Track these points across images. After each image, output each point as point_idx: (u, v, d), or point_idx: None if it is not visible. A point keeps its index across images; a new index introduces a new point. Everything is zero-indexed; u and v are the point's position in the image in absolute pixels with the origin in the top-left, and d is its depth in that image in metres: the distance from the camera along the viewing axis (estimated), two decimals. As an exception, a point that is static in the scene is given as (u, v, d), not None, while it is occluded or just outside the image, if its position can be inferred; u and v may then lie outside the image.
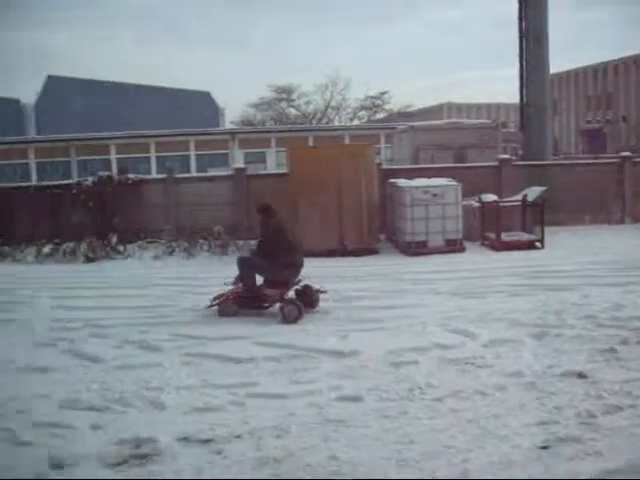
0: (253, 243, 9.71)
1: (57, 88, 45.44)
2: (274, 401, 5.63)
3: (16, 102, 46.47)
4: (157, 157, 34.33)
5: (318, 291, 9.10)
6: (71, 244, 15.16)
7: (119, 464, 4.60)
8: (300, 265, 9.04)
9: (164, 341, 7.65)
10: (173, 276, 12.30)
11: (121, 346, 7.62)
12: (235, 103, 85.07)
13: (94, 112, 42.53)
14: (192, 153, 34.60)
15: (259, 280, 9.08)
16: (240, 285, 9.04)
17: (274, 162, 32.86)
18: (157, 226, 15.79)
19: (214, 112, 46.75)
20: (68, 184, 17.27)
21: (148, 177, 19.15)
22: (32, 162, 34.26)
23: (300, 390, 5.85)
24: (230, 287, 9.08)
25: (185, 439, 4.92)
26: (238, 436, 4.95)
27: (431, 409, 5.35)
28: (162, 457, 4.66)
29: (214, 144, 34.55)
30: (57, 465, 4.59)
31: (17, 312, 9.69)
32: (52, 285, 11.78)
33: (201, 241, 14.94)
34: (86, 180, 16.86)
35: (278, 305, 8.72)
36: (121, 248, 15.18)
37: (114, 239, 15.44)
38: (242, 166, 18.89)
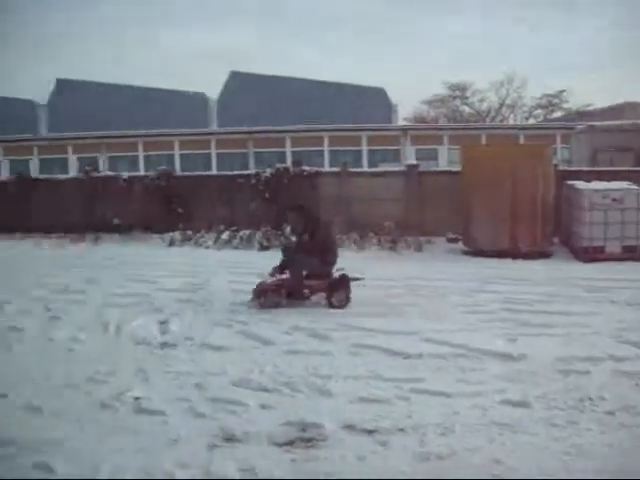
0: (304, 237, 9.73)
1: (239, 84, 47.47)
2: (439, 398, 5.61)
3: (201, 95, 49.04)
4: (330, 151, 35.06)
5: (356, 279, 9.54)
6: (247, 232, 15.88)
7: (285, 444, 4.77)
8: (336, 257, 9.66)
9: (333, 330, 7.81)
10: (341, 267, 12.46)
11: (291, 332, 7.88)
12: (408, 100, 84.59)
13: (273, 107, 44.11)
14: (364, 148, 35.02)
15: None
16: (277, 277, 9.42)
17: (446, 159, 32.59)
18: (329, 218, 16.13)
19: (387, 108, 46.94)
20: (248, 175, 18.09)
21: (322, 170, 19.58)
22: (213, 152, 36.14)
23: (466, 390, 5.79)
24: (270, 279, 9.44)
25: (350, 427, 5.02)
26: (401, 429, 4.98)
27: (602, 422, 5.10)
28: (327, 442, 4.78)
29: (386, 140, 34.79)
30: (228, 438, 4.86)
31: (197, 293, 10.32)
32: (229, 269, 12.41)
33: (371, 235, 15.11)
34: (264, 171, 17.56)
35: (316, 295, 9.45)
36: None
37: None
38: (414, 162, 18.91)
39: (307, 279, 9.43)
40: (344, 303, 9.29)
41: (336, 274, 9.52)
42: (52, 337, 7.83)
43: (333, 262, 9.59)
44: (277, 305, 9.22)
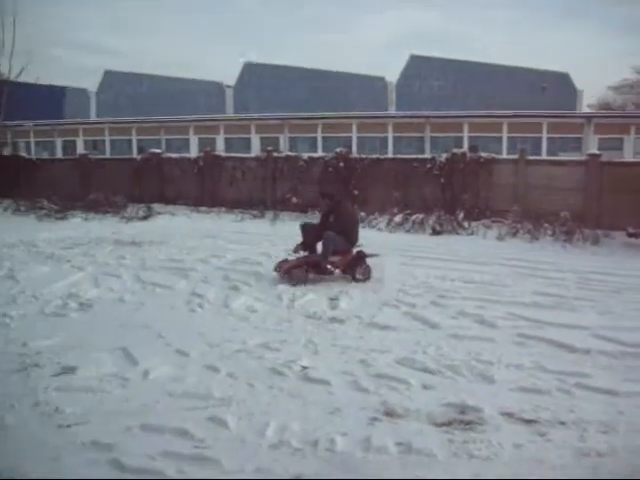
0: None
1: (418, 67, 47.38)
2: (603, 396, 5.47)
3: (381, 79, 49.37)
4: (508, 137, 34.23)
5: (372, 255, 10.35)
6: (420, 216, 15.98)
7: (444, 425, 4.86)
8: (358, 237, 10.51)
9: (499, 318, 7.74)
10: (514, 257, 12.30)
11: (457, 317, 7.92)
12: (594, 85, 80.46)
13: (452, 91, 43.70)
14: (544, 136, 33.88)
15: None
16: (302, 253, 10.26)
17: (631, 150, 30.87)
18: (503, 206, 15.87)
19: (571, 94, 45.02)
20: (423, 159, 18.15)
21: (499, 157, 19.23)
22: (390, 136, 36.40)
23: (633, 390, 5.58)
24: (294, 255, 10.29)
25: (509, 415, 5.02)
26: (562, 423, 4.92)
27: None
28: (485, 427, 4.82)
29: (568, 128, 33.44)
30: (389, 413, 5.04)
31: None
32: (404, 252, 12.63)
33: (546, 225, 14.72)
34: (440, 156, 17.54)
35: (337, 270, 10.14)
36: (466, 224, 15.63)
37: (461, 215, 15.95)
38: (596, 152, 18.11)
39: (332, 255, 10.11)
40: (367, 276, 10.10)
41: (354, 251, 10.30)
42: (230, 305, 8.41)
43: (355, 241, 10.39)
44: (304, 281, 9.75)
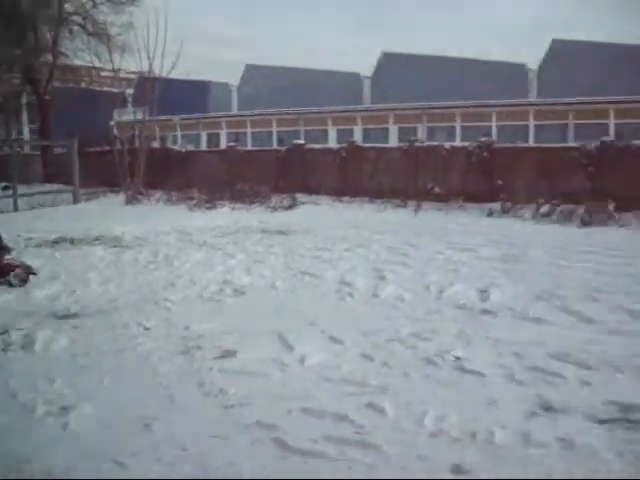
0: None
1: (560, 52, 45.62)
2: None
3: (521, 66, 47.96)
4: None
5: None
6: (569, 207, 15.43)
7: (606, 422, 4.67)
8: None
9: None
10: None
11: (615, 311, 7.59)
12: None
13: (597, 77, 41.81)
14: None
15: None
16: None
17: None
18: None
19: None
20: (570, 147, 17.53)
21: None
22: (531, 124, 35.38)
23: None
24: None
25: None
26: None
27: None
28: None
29: None
30: (547, 408, 4.89)
31: (516, 265, 10.37)
32: (546, 244, 12.27)
33: None
34: (589, 144, 16.86)
35: None
36: (617, 216, 14.94)
37: (611, 206, 15.25)
38: None
39: None
40: None
41: None
42: (378, 294, 8.47)
43: None
44: None
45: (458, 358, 5.96)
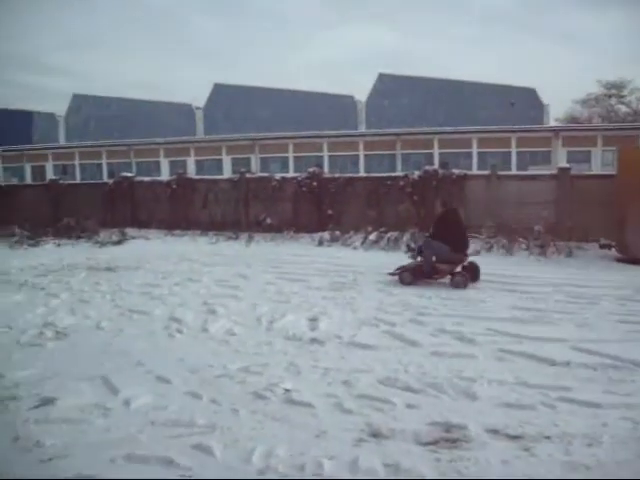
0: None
1: (387, 85, 47.80)
2: (586, 409, 5.45)
3: (350, 98, 49.77)
4: (478, 153, 34.63)
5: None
6: (395, 234, 16.05)
7: (430, 444, 4.80)
8: (466, 248, 11.60)
9: (478, 335, 7.72)
10: (490, 272, 12.32)
11: (436, 335, 7.88)
12: (560, 99, 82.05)
13: (421, 108, 44.09)
14: (513, 150, 34.34)
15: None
16: (418, 259, 11.38)
17: (599, 162, 31.39)
18: (477, 221, 16.04)
19: (538, 109, 45.73)
20: (396, 177, 18.27)
21: (471, 172, 19.41)
22: (361, 154, 36.65)
23: (615, 401, 5.58)
24: (410, 261, 11.57)
25: (494, 431, 4.98)
26: (547, 437, 4.89)
27: None
28: (471, 444, 4.76)
29: (536, 142, 33.96)
30: (374, 434, 4.96)
31: (343, 292, 10.60)
32: (378, 270, 12.62)
33: (520, 239, 14.86)
34: (413, 173, 17.66)
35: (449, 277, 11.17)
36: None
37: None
38: (566, 165, 18.35)
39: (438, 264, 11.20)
40: (462, 286, 10.83)
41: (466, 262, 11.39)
42: (208, 329, 8.33)
43: (461, 249, 11.31)
44: (409, 283, 11.09)
45: (287, 390, 5.96)
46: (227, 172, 35.66)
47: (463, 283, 10.87)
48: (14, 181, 36.22)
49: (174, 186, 20.17)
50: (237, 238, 18.02)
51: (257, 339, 7.80)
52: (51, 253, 16.57)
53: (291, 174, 24.56)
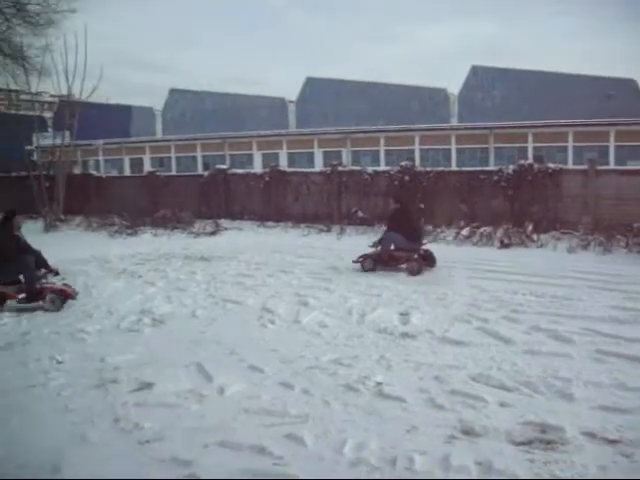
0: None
1: (480, 78, 46.93)
2: None
3: (442, 91, 49.11)
4: (574, 147, 33.61)
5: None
6: (488, 229, 15.76)
7: (523, 444, 4.71)
8: (420, 238, 12.72)
9: (575, 334, 7.49)
10: (587, 269, 11.99)
11: (530, 332, 7.71)
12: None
13: (515, 101, 43.10)
14: (611, 144, 33.14)
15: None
16: (379, 248, 12.37)
17: None
18: (573, 218, 15.56)
19: (638, 101, 43.86)
20: (489, 171, 17.93)
21: (567, 167, 18.81)
22: (453, 148, 36.20)
23: None
24: (372, 250, 12.48)
25: (591, 434, 4.83)
26: None
27: None
28: (567, 447, 4.64)
29: (636, 136, 32.61)
30: (467, 432, 4.91)
31: (432, 287, 10.51)
32: (471, 266, 12.46)
33: (619, 237, 14.32)
34: (507, 167, 17.29)
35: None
36: (535, 237, 15.32)
37: (529, 227, 15.65)
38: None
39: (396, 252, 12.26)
40: (415, 273, 11.80)
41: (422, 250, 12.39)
42: (300, 320, 8.42)
43: (416, 239, 12.39)
44: (372, 269, 12.08)
45: (379, 383, 5.96)
46: (318, 165, 35.83)
47: (417, 269, 11.86)
48: (114, 173, 37.48)
49: (267, 178, 20.41)
50: (329, 231, 18.08)
51: (348, 331, 7.84)
52: (148, 243, 17.08)
53: (382, 167, 24.49)
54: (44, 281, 9.73)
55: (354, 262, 12.34)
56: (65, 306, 9.36)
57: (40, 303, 9.29)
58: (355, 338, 7.53)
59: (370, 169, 19.77)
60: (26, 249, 9.74)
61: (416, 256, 12.13)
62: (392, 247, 12.28)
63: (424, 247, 12.61)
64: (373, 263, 12.22)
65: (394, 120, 40.18)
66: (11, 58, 29.38)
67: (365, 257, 12.34)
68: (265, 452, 4.61)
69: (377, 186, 18.66)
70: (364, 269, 12.11)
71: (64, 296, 9.44)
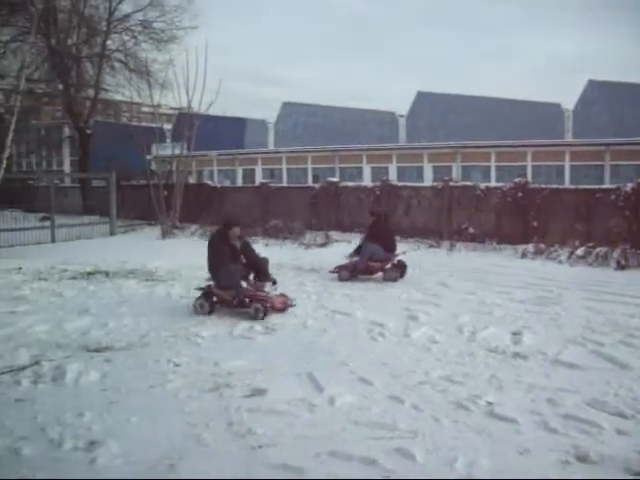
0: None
1: (596, 93, 45.51)
2: None
3: (557, 106, 47.97)
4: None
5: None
6: (604, 249, 15.20)
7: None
8: (394, 249, 13.28)
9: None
10: None
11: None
12: None
13: (633, 116, 41.50)
14: None
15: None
16: (353, 259, 13.25)
17: None
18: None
19: None
20: (607, 189, 17.31)
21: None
22: (566, 164, 35.15)
23: None
24: (347, 261, 13.49)
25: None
26: None
27: None
28: None
29: None
30: (581, 458, 4.75)
31: (550, 307, 10.22)
32: (585, 287, 12.07)
33: None
34: (625, 186, 16.64)
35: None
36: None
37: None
38: None
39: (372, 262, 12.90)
40: (394, 279, 12.75)
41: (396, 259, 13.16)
42: (410, 334, 8.39)
43: (391, 250, 13.08)
44: (348, 279, 12.72)
45: (490, 403, 5.87)
46: (427, 180, 35.63)
47: (394, 277, 12.78)
48: (226, 183, 38.47)
49: (378, 192, 20.44)
50: (438, 246, 17.93)
51: (459, 348, 7.76)
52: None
53: (493, 184, 24.08)
54: (266, 290, 9.94)
55: (331, 272, 13.06)
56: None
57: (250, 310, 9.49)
58: (466, 356, 7.45)
59: (482, 185, 19.48)
60: (251, 256, 10.26)
61: (389, 265, 13.01)
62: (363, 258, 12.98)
63: (398, 257, 13.35)
64: (349, 274, 12.85)
65: (506, 135, 39.48)
66: (136, 73, 30.94)
67: (341, 268, 13.06)
68: (375, 465, 4.64)
69: (489, 202, 18.35)
70: (340, 279, 12.77)
71: (273, 308, 9.60)
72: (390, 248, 13.13)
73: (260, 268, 10.13)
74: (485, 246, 17.09)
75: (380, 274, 12.98)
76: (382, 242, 12.94)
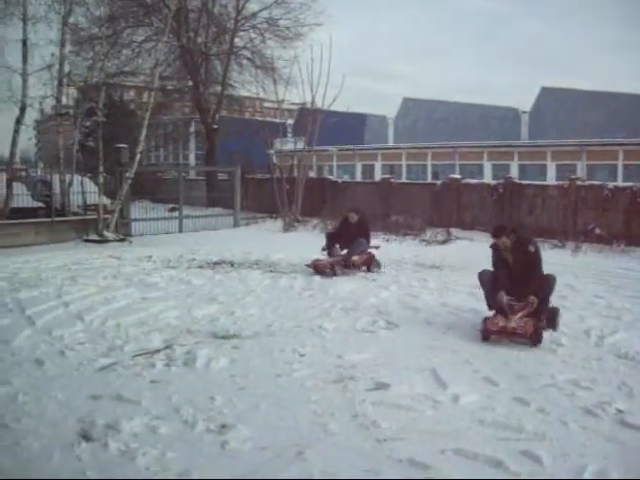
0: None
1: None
2: None
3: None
4: None
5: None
6: None
7: None
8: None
9: None
10: None
11: None
12: None
13: None
14: None
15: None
16: (326, 253, 13.33)
17: None
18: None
19: None
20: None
21: None
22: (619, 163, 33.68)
23: None
24: (323, 256, 13.34)
25: None
26: None
27: None
28: None
29: None
30: None
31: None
32: None
33: None
34: None
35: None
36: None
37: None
38: None
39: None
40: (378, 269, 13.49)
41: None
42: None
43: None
44: (330, 275, 12.70)
45: (620, 411, 5.70)
46: (550, 178, 34.65)
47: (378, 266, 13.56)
48: (346, 178, 38.77)
49: (501, 190, 20.08)
50: (562, 247, 17.39)
51: (586, 352, 7.55)
52: (381, 247, 17.45)
53: (622, 183, 23.17)
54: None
55: (307, 266, 13.12)
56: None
57: None
58: (593, 360, 7.24)
59: (611, 184, 18.75)
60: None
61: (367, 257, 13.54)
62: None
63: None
64: (331, 266, 12.92)
65: (635, 132, 37.76)
66: (262, 69, 31.71)
67: (319, 263, 13.05)
68: (501, 466, 4.59)
69: (617, 202, 17.65)
70: (323, 273, 12.80)
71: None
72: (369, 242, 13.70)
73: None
74: (612, 248, 16.45)
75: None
76: (367, 237, 13.55)
